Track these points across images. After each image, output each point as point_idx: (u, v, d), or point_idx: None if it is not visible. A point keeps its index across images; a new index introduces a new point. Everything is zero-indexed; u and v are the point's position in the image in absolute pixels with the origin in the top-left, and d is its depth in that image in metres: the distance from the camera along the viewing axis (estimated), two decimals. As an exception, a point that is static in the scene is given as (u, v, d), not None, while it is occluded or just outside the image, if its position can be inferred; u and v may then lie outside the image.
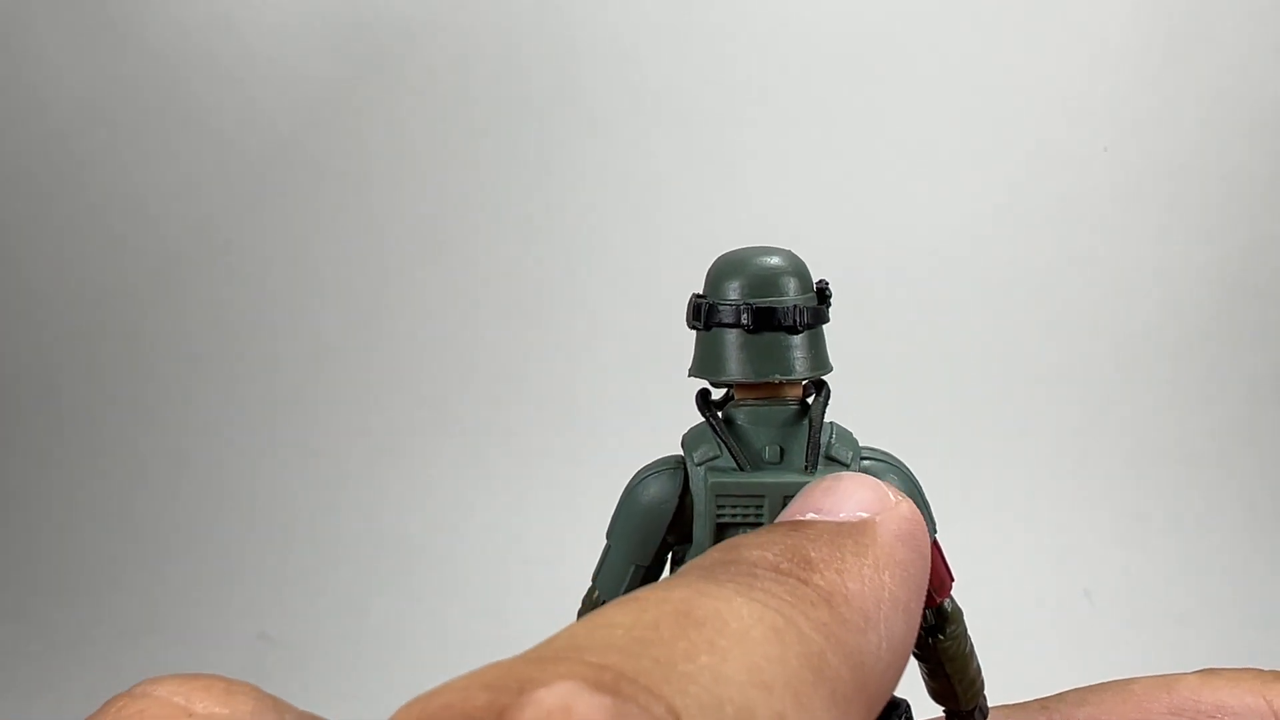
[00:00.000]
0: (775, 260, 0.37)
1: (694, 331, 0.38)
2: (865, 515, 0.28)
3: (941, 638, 0.38)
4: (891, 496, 0.29)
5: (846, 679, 0.22)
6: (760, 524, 0.35)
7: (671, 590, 0.22)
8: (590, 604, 0.39)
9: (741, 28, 1.34)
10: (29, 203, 1.43)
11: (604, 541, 0.39)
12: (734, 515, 0.35)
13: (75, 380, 1.43)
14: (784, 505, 0.34)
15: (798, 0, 1.34)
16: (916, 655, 0.40)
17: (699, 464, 0.36)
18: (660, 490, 0.37)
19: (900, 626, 0.25)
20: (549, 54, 1.36)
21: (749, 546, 0.25)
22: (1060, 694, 0.41)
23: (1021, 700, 0.43)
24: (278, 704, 0.25)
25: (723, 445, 0.36)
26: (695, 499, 0.36)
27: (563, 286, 1.38)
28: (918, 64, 1.33)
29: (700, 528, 0.36)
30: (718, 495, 0.35)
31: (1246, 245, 1.33)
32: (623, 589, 0.38)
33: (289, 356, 1.41)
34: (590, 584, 0.39)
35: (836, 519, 0.28)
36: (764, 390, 0.37)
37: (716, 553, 0.25)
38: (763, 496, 0.35)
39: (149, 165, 1.42)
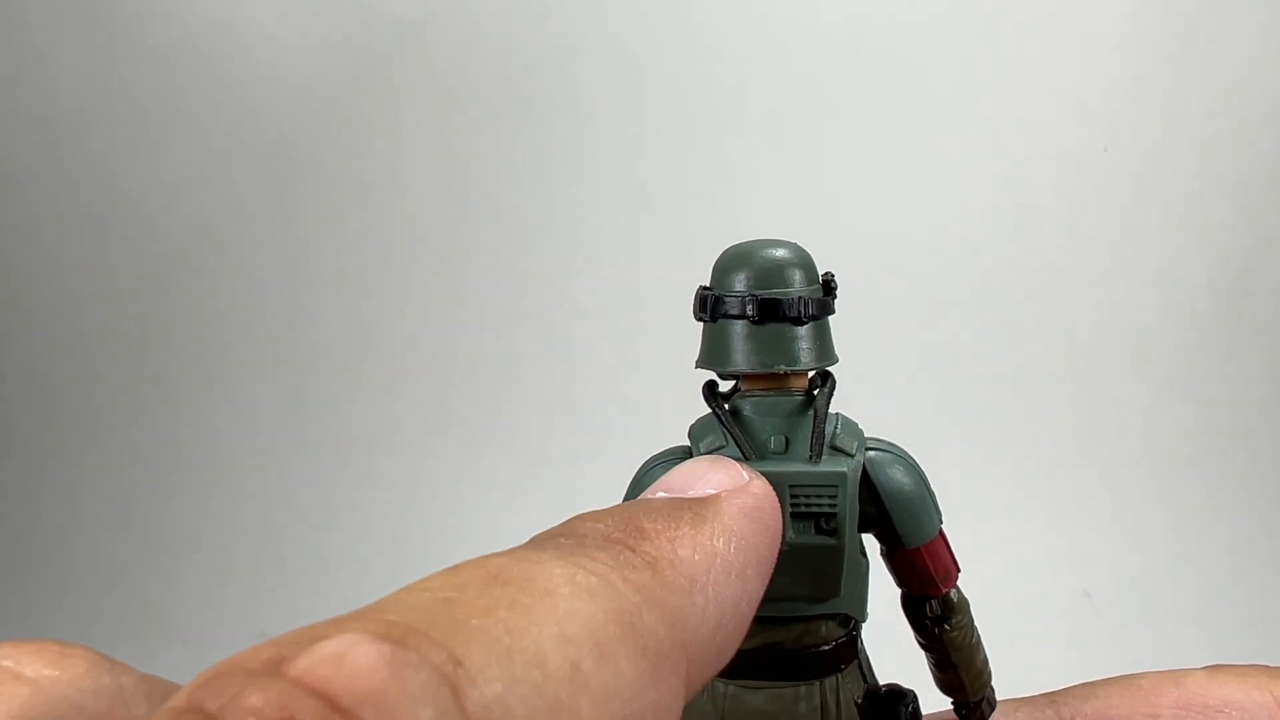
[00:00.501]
0: (781, 252, 0.37)
1: (700, 324, 0.38)
2: (713, 492, 0.29)
3: (947, 628, 0.39)
4: (745, 475, 0.30)
5: (662, 635, 0.22)
6: None
7: (491, 558, 0.23)
8: None
9: (742, 28, 1.34)
10: (29, 203, 1.43)
11: None
12: None
13: (75, 380, 1.43)
14: (789, 494, 0.35)
15: (799, 0, 1.34)
16: (923, 646, 0.40)
17: (705, 453, 0.36)
18: None
19: (732, 590, 0.25)
20: (549, 54, 1.36)
21: (585, 519, 0.26)
22: (1068, 688, 0.41)
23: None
24: (114, 666, 0.25)
25: (728, 435, 0.36)
26: None
27: (563, 286, 1.38)
28: (918, 64, 1.33)
29: None
30: None
31: (1246, 245, 1.34)
32: None
33: (289, 356, 1.41)
34: None
35: (684, 496, 0.29)
36: (770, 381, 0.37)
37: (554, 527, 0.26)
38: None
39: (149, 166, 1.42)
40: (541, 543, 0.24)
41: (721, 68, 1.35)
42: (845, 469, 0.36)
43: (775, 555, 0.28)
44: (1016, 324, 1.34)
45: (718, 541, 0.26)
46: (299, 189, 1.41)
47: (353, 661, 0.17)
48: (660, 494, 0.29)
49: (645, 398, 1.27)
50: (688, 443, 0.38)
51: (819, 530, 0.35)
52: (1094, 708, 0.39)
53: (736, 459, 0.35)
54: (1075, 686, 0.41)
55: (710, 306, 0.37)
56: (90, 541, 1.32)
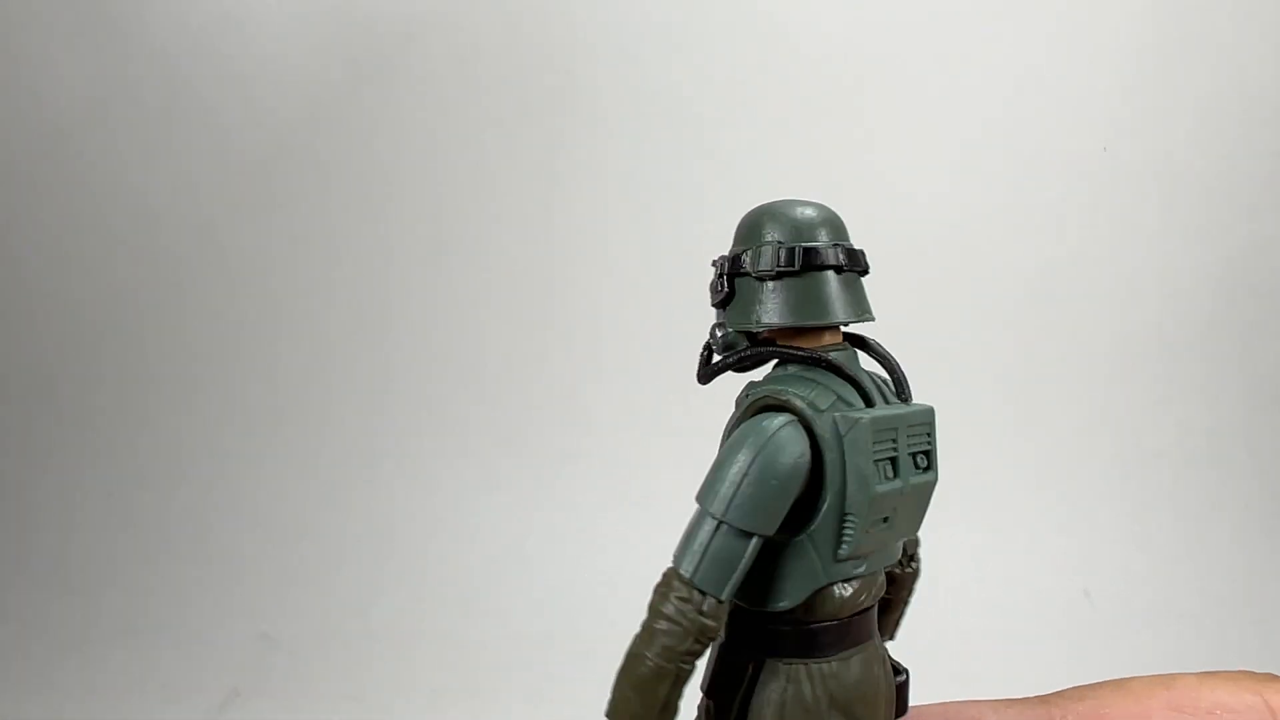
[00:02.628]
0: (829, 208, 0.37)
1: (762, 282, 0.35)
2: None
3: (915, 566, 0.41)
4: None
5: None
6: (895, 458, 0.33)
7: None
8: (682, 586, 0.32)
9: (742, 28, 1.34)
10: (29, 203, 1.43)
11: (694, 523, 0.33)
12: (880, 452, 0.33)
13: (75, 380, 1.43)
14: (906, 435, 0.34)
15: (799, 1, 1.34)
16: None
17: (824, 410, 0.33)
18: (800, 445, 0.33)
19: None
20: (551, 53, 1.36)
21: None
22: (1060, 691, 0.42)
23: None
24: None
25: (851, 384, 0.34)
26: (828, 449, 0.33)
27: (566, 288, 1.38)
28: (917, 63, 1.33)
29: (838, 477, 0.32)
30: (877, 432, 0.33)
31: (1246, 245, 1.34)
32: (741, 566, 0.32)
33: (290, 357, 1.41)
34: (671, 566, 0.33)
35: None
36: (810, 337, 0.36)
37: None
38: (895, 429, 0.34)
39: (150, 165, 1.42)
40: None
41: (724, 69, 1.35)
42: (931, 406, 0.35)
43: None
44: (1016, 324, 1.34)
45: None
46: (302, 188, 1.41)
47: None
48: None
49: (650, 401, 1.27)
50: (765, 399, 0.34)
51: (916, 468, 0.34)
52: (1086, 708, 0.40)
53: (859, 407, 0.34)
54: (1067, 689, 0.41)
55: (800, 258, 0.35)
56: (90, 541, 1.33)
